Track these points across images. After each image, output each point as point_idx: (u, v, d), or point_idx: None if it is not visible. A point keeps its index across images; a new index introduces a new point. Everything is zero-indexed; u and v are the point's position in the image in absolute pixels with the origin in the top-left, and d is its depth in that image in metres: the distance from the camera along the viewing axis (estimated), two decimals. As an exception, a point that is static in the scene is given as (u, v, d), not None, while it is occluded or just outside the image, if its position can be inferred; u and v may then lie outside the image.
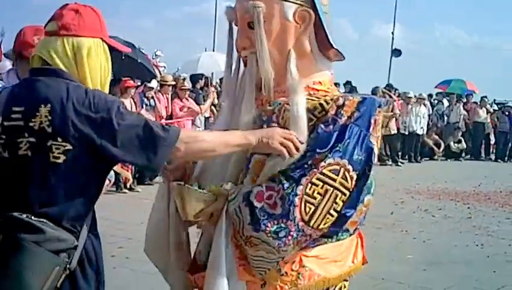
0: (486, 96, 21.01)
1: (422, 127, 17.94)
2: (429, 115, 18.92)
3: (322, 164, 2.00)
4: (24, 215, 2.10)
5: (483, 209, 10.32)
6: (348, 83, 17.40)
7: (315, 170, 2.00)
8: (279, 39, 2.18)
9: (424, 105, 18.17)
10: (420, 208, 10.13)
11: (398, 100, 17.56)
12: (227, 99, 2.33)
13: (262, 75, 2.15)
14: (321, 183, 2.00)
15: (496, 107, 21.65)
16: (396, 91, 18.31)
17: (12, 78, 3.39)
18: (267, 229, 1.98)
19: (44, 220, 2.11)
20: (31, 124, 2.13)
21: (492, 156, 20.53)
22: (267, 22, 2.15)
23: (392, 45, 25.98)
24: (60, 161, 2.12)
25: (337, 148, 2.02)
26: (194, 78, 13.76)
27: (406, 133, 17.67)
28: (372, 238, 7.74)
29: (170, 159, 2.18)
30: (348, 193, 2.03)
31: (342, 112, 2.07)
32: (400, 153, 17.80)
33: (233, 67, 2.30)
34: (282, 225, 1.98)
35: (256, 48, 2.15)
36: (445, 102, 20.90)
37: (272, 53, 2.16)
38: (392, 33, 26.20)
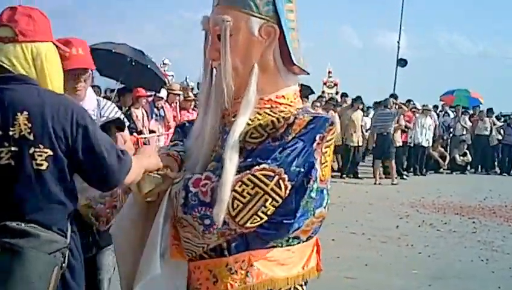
0: (492, 109, 20.84)
1: (428, 139, 17.89)
2: (435, 127, 18.86)
3: (256, 167, 2.10)
4: (14, 223, 2.15)
5: (488, 223, 10.30)
6: (358, 97, 17.31)
7: (248, 171, 2.10)
8: (245, 53, 2.24)
9: (430, 116, 18.12)
10: (425, 222, 10.12)
11: (411, 111, 17.53)
12: (201, 107, 2.40)
13: (224, 88, 2.23)
14: (252, 185, 2.08)
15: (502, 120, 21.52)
16: (410, 103, 18.17)
17: None
18: (194, 213, 2.11)
19: (35, 226, 2.18)
20: (10, 132, 2.16)
21: (498, 170, 20.44)
22: (233, 35, 2.22)
23: (397, 55, 25.83)
24: (43, 167, 2.18)
25: (276, 158, 2.10)
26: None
27: (412, 145, 17.65)
28: (377, 252, 7.77)
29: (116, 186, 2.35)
30: (280, 200, 2.10)
31: (290, 130, 2.16)
32: (405, 166, 17.76)
33: (208, 76, 2.36)
34: (208, 213, 2.09)
35: (220, 61, 2.23)
36: (451, 113, 20.82)
37: (237, 66, 2.24)
38: (398, 42, 26.05)
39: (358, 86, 42.41)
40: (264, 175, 2.08)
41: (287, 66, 2.30)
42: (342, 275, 6.55)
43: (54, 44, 2.42)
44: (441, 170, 19.12)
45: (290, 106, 2.29)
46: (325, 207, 2.24)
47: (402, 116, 16.91)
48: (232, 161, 2.12)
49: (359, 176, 16.77)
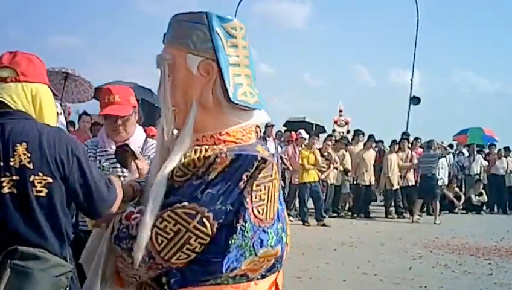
0: (509, 147, 20.48)
1: (442, 179, 17.66)
2: (449, 166, 18.66)
3: (177, 204, 2.11)
4: (25, 247, 2.28)
5: (505, 265, 10.01)
6: (371, 136, 17.19)
7: (169, 208, 2.12)
8: (184, 90, 2.28)
9: (444, 156, 17.95)
10: (439, 263, 9.88)
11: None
12: (157, 143, 2.44)
13: (164, 124, 2.31)
14: (173, 221, 2.11)
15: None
16: (418, 141, 18.06)
17: None
18: (122, 245, 2.18)
19: (43, 250, 2.33)
20: (11, 163, 2.31)
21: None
22: (173, 73, 2.27)
23: (410, 92, 25.70)
24: (43, 194, 2.33)
25: (197, 196, 2.11)
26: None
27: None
28: (390, 294, 7.55)
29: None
30: (207, 238, 2.11)
31: (211, 169, 2.15)
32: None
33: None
34: (135, 247, 2.13)
35: (160, 99, 2.31)
36: (465, 152, 20.59)
37: (178, 103, 2.29)
38: (411, 80, 25.93)
39: (370, 124, 42.34)
40: (185, 213, 2.10)
41: (230, 103, 2.26)
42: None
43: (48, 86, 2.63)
44: (456, 210, 18.84)
45: (234, 142, 2.27)
46: (272, 246, 2.21)
47: (414, 154, 16.79)
48: (154, 200, 2.14)
49: (370, 215, 16.55)
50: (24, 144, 2.33)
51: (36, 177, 2.31)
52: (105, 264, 2.26)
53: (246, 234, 2.13)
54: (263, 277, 2.26)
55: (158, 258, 2.11)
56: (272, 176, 2.20)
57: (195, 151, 2.22)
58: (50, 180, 2.33)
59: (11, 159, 2.31)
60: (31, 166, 2.31)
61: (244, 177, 2.14)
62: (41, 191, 2.32)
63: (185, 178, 2.18)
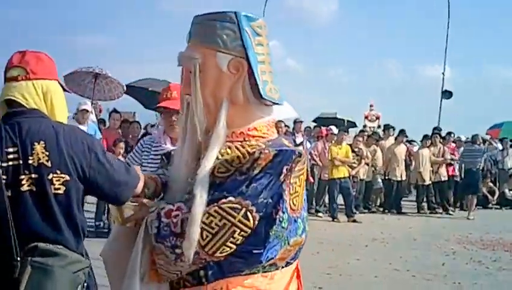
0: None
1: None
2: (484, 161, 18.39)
3: (223, 200, 2.17)
4: (44, 244, 2.32)
5: (541, 260, 9.83)
6: (402, 131, 17.02)
7: (215, 203, 2.17)
8: (214, 88, 2.32)
9: (488, 151, 17.68)
10: (473, 259, 9.75)
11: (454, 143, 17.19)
12: (179, 140, 2.52)
13: (196, 123, 2.34)
14: (219, 216, 2.16)
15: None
16: (451, 135, 17.84)
17: None
18: (166, 243, 2.22)
19: (61, 246, 2.37)
20: (29, 161, 2.35)
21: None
22: (203, 72, 2.31)
23: (442, 87, 25.35)
24: (61, 191, 2.37)
25: (242, 191, 2.17)
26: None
27: (458, 179, 17.21)
28: (422, 290, 7.45)
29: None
30: (248, 231, 2.16)
31: (255, 165, 2.21)
32: (451, 201, 17.31)
33: (184, 109, 2.45)
34: (178, 243, 2.18)
35: (191, 97, 2.33)
36: (499, 146, 20.26)
37: (208, 101, 2.33)
38: (443, 74, 25.58)
39: (401, 119, 42.01)
40: (231, 207, 2.15)
41: (257, 99, 2.35)
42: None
43: (59, 82, 2.66)
44: (490, 205, 18.54)
45: (262, 137, 2.35)
46: (300, 235, 2.31)
47: (446, 149, 16.59)
48: (201, 196, 2.18)
49: (402, 211, 16.39)
50: (42, 142, 2.37)
51: (54, 175, 2.36)
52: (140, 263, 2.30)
53: (283, 225, 2.21)
54: (287, 264, 2.35)
55: (202, 253, 2.17)
56: (304, 168, 2.28)
57: (230, 148, 2.29)
58: (67, 177, 2.38)
59: (30, 158, 2.35)
60: (49, 164, 2.35)
61: (284, 170, 2.21)
62: (59, 189, 2.36)
63: (228, 174, 2.24)
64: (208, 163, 2.25)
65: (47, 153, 2.36)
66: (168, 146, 4.17)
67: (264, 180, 2.19)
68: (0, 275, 2.30)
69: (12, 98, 2.49)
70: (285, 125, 14.48)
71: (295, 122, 15.23)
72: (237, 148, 2.29)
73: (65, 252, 2.36)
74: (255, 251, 2.20)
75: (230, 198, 2.16)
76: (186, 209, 2.22)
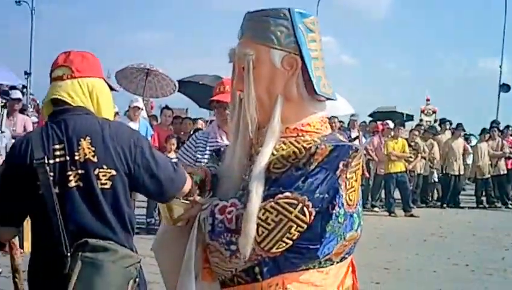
0: None
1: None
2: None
3: (279, 195, 2.16)
4: (94, 240, 2.34)
5: None
6: (459, 125, 16.82)
7: (271, 199, 2.16)
8: (268, 84, 2.32)
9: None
10: (534, 253, 9.59)
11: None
12: (231, 137, 2.51)
13: (248, 119, 2.33)
14: (275, 212, 2.15)
15: None
16: (510, 129, 17.53)
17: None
18: (220, 239, 2.21)
19: (112, 242, 2.38)
20: (76, 157, 2.38)
21: None
22: (256, 68, 2.31)
23: (500, 80, 24.87)
24: (107, 186, 2.40)
25: (299, 186, 2.16)
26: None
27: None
28: (482, 285, 7.49)
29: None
30: (305, 226, 2.16)
31: (312, 160, 2.21)
32: (510, 195, 17.02)
33: (236, 106, 2.45)
34: (233, 239, 2.18)
35: (244, 93, 2.33)
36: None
37: (261, 97, 2.33)
38: (500, 67, 25.09)
39: (458, 113, 41.29)
40: (288, 203, 2.15)
41: (311, 94, 2.35)
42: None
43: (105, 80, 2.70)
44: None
45: (316, 133, 2.35)
46: (356, 230, 2.30)
47: (505, 142, 16.31)
48: (257, 192, 2.18)
49: (460, 205, 16.20)
50: (88, 138, 2.40)
51: (101, 170, 2.38)
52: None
53: (339, 220, 2.20)
54: (342, 259, 2.33)
55: (258, 249, 2.16)
56: (360, 163, 2.27)
57: (285, 143, 2.29)
58: (114, 172, 2.40)
59: (76, 154, 2.37)
60: (95, 159, 2.38)
61: (340, 165, 2.20)
62: (105, 184, 2.38)
63: (284, 169, 2.24)
64: (263, 159, 2.25)
65: (93, 149, 2.39)
66: (225, 141, 4.16)
67: (321, 175, 2.18)
68: (51, 271, 2.33)
69: (59, 97, 2.52)
70: (340, 121, 14.46)
71: (351, 117, 15.21)
72: (292, 144, 2.29)
73: (115, 247, 2.37)
74: (311, 247, 2.19)
75: (287, 193, 2.16)
76: (240, 205, 2.22)
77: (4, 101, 10.53)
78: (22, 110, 11.29)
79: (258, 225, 2.14)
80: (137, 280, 2.41)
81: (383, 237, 10.64)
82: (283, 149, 2.29)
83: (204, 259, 2.30)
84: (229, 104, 2.54)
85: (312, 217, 2.16)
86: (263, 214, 2.15)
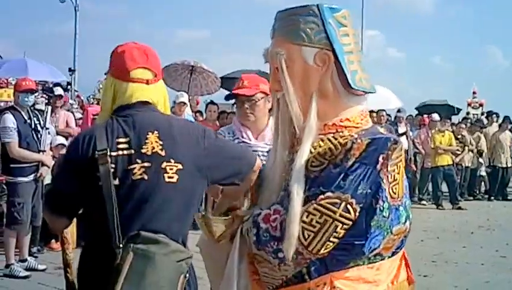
0: None
1: None
2: None
3: (321, 196, 2.13)
4: (147, 233, 2.31)
5: None
6: (507, 117, 16.68)
7: (313, 201, 2.13)
8: (303, 82, 2.31)
9: None
10: None
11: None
12: (274, 139, 2.48)
13: (292, 116, 2.31)
14: (319, 214, 2.12)
15: None
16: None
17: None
18: (267, 248, 2.18)
19: (165, 235, 2.34)
20: (143, 150, 2.38)
21: None
22: (289, 66, 2.29)
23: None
24: (174, 180, 2.39)
25: (339, 185, 2.14)
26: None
27: None
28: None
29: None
30: (350, 223, 2.12)
31: (349, 155, 2.18)
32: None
33: (275, 107, 2.45)
34: (281, 247, 2.14)
35: (284, 92, 2.31)
36: None
37: (297, 96, 2.31)
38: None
39: (506, 106, 40.55)
40: (330, 203, 2.12)
41: (347, 89, 2.32)
42: (493, 300, 6.34)
43: None
44: None
45: (355, 127, 2.30)
46: (404, 223, 2.26)
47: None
48: (298, 193, 2.16)
49: (508, 198, 16.11)
50: (156, 132, 2.40)
51: (168, 164, 2.37)
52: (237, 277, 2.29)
53: (384, 214, 2.16)
54: (393, 254, 2.30)
55: (306, 252, 2.14)
56: (402, 155, 2.24)
57: (323, 140, 2.27)
58: (181, 166, 2.39)
59: (144, 147, 2.37)
60: (163, 153, 2.37)
61: (380, 159, 2.17)
62: (172, 177, 2.38)
63: (321, 167, 2.22)
64: (302, 158, 2.23)
65: (161, 143, 2.38)
66: (252, 139, 4.07)
67: (360, 171, 2.15)
68: (102, 263, 2.32)
69: (144, 100, 2.51)
70: (387, 114, 14.49)
71: (398, 111, 15.19)
72: (330, 140, 2.26)
73: (167, 240, 2.33)
74: (356, 242, 2.15)
75: (328, 193, 2.13)
76: (283, 210, 2.18)
77: (48, 98, 10.84)
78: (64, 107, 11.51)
79: (304, 228, 2.12)
80: (187, 275, 2.38)
81: (430, 230, 10.67)
82: (320, 146, 2.26)
83: (252, 271, 2.30)
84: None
85: (357, 214, 2.13)
86: (307, 217, 2.13)
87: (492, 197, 16.02)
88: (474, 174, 16.13)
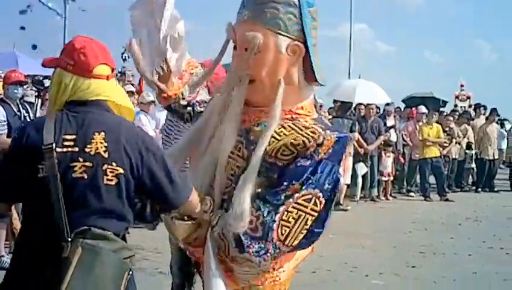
0: None
1: None
2: None
3: (297, 195, 2.31)
4: (95, 228, 2.34)
5: None
6: (494, 110, 16.81)
7: (291, 200, 2.31)
8: (272, 69, 2.41)
9: None
10: None
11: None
12: (214, 115, 2.55)
13: (237, 97, 2.44)
14: (295, 211, 2.31)
15: None
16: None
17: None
18: (250, 250, 2.30)
19: (110, 232, 2.38)
20: (86, 149, 2.38)
21: None
22: (262, 52, 2.39)
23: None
24: (113, 183, 2.39)
25: (311, 181, 2.32)
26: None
27: None
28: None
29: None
30: (316, 215, 2.34)
31: (319, 150, 2.34)
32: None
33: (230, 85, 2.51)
34: (262, 245, 2.29)
35: (240, 72, 2.43)
36: None
37: (263, 79, 2.42)
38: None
39: (493, 99, 40.83)
40: (304, 199, 2.32)
41: (307, 80, 2.48)
42: (480, 291, 6.42)
43: None
44: None
45: (307, 115, 2.48)
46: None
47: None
48: (254, 170, 2.33)
49: (495, 189, 16.24)
50: (103, 133, 2.40)
51: (109, 167, 2.38)
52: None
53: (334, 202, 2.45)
54: None
55: (283, 247, 2.32)
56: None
57: (284, 127, 2.40)
58: (121, 171, 2.39)
59: (88, 146, 2.38)
60: (106, 155, 2.38)
61: (343, 157, 2.41)
62: (111, 180, 2.38)
63: (291, 157, 2.36)
64: (266, 141, 2.36)
65: (106, 144, 2.39)
66: None
67: (327, 169, 2.34)
68: (51, 255, 2.30)
69: (104, 98, 2.53)
70: (377, 107, 14.52)
71: (385, 106, 15.18)
72: (293, 128, 2.40)
73: (115, 237, 2.39)
74: (316, 230, 2.37)
75: (304, 191, 2.30)
76: (258, 213, 2.31)
77: (37, 90, 10.77)
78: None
79: (282, 225, 2.30)
80: (130, 273, 2.42)
81: (418, 222, 10.74)
82: (285, 134, 2.38)
83: (223, 270, 2.39)
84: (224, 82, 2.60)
85: (321, 206, 2.34)
86: (285, 215, 2.30)
87: (479, 189, 16.14)
88: (461, 166, 16.25)
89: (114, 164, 2.38)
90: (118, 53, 17.03)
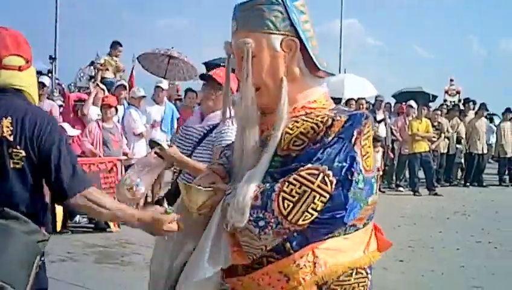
0: None
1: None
2: None
3: (301, 168, 2.24)
4: (9, 209, 2.39)
5: None
6: (483, 105, 16.90)
7: (293, 173, 2.24)
8: (271, 69, 2.39)
9: None
10: (556, 230, 9.64)
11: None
12: (239, 126, 2.53)
13: (250, 104, 2.39)
14: (298, 184, 2.21)
15: None
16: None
17: None
18: (249, 217, 2.24)
19: (21, 215, 2.42)
20: None
21: None
22: (257, 55, 2.38)
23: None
24: (19, 166, 2.45)
25: (318, 157, 2.24)
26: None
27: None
28: (505, 262, 7.55)
29: (68, 203, 2.54)
30: (327, 196, 2.22)
31: (329, 132, 2.30)
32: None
33: (240, 95, 2.48)
34: (261, 215, 2.22)
35: (241, 81, 2.40)
36: None
37: (266, 83, 2.40)
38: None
39: (482, 94, 40.94)
40: (309, 174, 2.22)
41: (312, 72, 2.45)
42: (468, 284, 6.49)
43: None
44: None
45: (323, 108, 2.43)
46: (376, 193, 2.39)
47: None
48: (261, 167, 2.31)
49: (484, 184, 16.34)
50: (9, 118, 2.46)
51: (14, 150, 2.44)
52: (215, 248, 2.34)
53: (360, 185, 2.27)
54: (364, 225, 2.40)
55: (285, 222, 2.21)
56: (370, 130, 2.38)
57: (297, 122, 2.37)
58: (25, 154, 2.45)
59: None
60: (11, 139, 2.44)
61: (355, 133, 2.30)
62: (17, 164, 2.45)
63: (303, 146, 2.32)
64: (274, 142, 2.34)
65: (11, 128, 2.44)
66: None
67: (337, 145, 2.26)
68: None
69: (20, 87, 2.59)
70: (367, 102, 14.58)
71: (376, 99, 15.23)
72: (306, 121, 2.37)
73: (27, 219, 2.41)
74: (338, 215, 2.25)
75: (308, 165, 2.22)
76: (263, 184, 2.28)
77: None
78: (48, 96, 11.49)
79: (284, 198, 2.21)
80: (42, 258, 2.46)
81: (407, 216, 10.82)
82: (297, 127, 2.37)
83: (232, 244, 2.34)
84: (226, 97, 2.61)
85: (334, 186, 2.22)
86: (287, 187, 2.22)
87: (468, 184, 16.25)
88: (450, 160, 16.33)
89: (18, 147, 2.44)
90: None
